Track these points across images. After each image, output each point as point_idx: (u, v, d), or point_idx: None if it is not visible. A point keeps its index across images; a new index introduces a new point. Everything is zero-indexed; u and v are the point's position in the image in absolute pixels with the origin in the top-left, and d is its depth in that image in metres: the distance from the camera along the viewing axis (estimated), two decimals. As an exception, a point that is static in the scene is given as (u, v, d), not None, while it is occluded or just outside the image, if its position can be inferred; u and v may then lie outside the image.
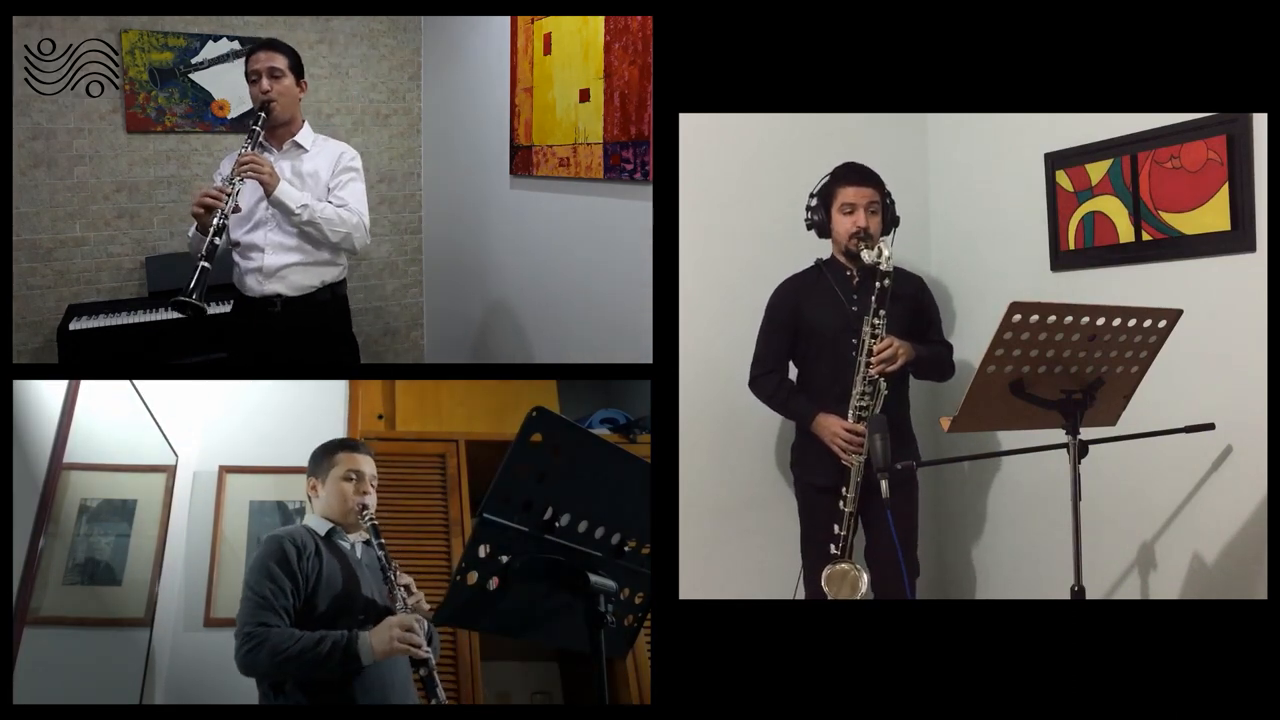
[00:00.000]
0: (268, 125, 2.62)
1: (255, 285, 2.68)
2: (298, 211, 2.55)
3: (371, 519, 2.03)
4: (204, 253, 2.35)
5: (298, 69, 2.70)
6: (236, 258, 2.72)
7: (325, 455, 2.11)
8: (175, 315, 3.72)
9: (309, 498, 2.13)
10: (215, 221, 2.39)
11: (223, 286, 3.34)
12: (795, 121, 2.82)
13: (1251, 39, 2.01)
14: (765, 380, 2.58)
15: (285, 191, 2.54)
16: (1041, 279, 2.70)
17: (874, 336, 2.36)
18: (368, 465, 2.09)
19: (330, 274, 2.74)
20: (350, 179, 2.70)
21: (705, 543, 2.72)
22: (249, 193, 2.58)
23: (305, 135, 2.73)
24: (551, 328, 3.58)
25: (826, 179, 2.52)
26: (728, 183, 2.79)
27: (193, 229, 2.64)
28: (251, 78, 2.64)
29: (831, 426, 2.43)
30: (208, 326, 3.73)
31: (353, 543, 2.08)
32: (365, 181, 2.77)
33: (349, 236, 2.64)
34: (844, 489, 2.39)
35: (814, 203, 2.53)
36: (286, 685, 1.85)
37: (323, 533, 2.04)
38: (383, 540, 2.01)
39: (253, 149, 2.53)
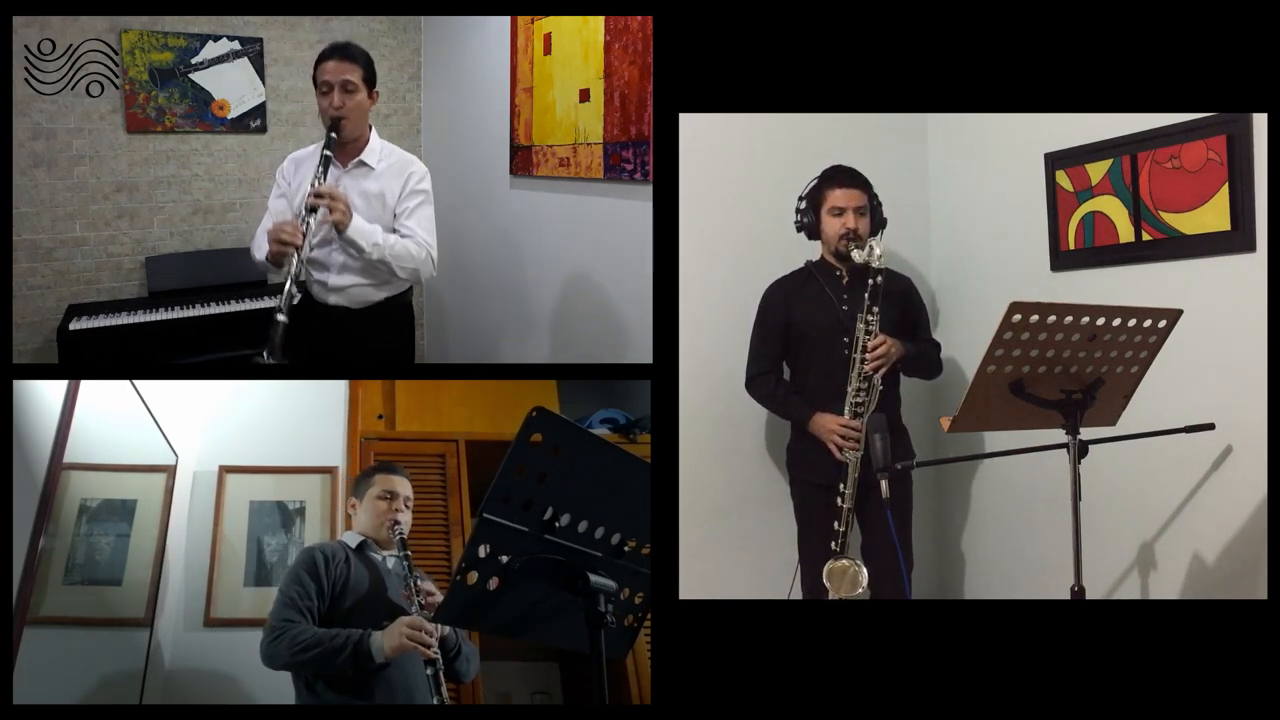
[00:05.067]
0: (336, 145, 2.46)
1: (320, 295, 2.59)
2: (369, 250, 2.42)
3: (401, 534, 2.20)
4: (282, 307, 2.23)
5: (371, 79, 2.52)
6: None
7: (365, 477, 2.32)
8: (175, 315, 3.80)
9: (349, 515, 2.34)
10: (293, 269, 2.27)
11: (241, 285, 3.30)
12: (795, 122, 2.82)
13: (1251, 39, 2.01)
14: (762, 381, 2.59)
15: (358, 229, 2.39)
16: (1041, 279, 2.70)
17: (868, 333, 2.37)
18: (403, 486, 2.28)
19: (394, 288, 2.64)
20: (419, 204, 2.56)
21: (705, 543, 2.72)
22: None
23: (372, 151, 2.56)
24: (551, 328, 3.58)
25: (815, 182, 2.54)
26: (727, 183, 2.79)
27: (256, 251, 2.54)
28: (322, 89, 2.46)
29: (828, 424, 2.44)
30: (224, 323, 3.78)
31: (385, 555, 2.24)
32: (433, 204, 2.63)
33: (416, 271, 2.54)
34: (841, 485, 2.40)
35: (803, 205, 2.54)
36: (318, 685, 1.99)
37: (354, 545, 2.22)
38: (409, 553, 2.17)
39: (325, 173, 2.39)
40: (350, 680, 1.98)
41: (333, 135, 2.44)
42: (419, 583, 2.10)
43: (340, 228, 2.37)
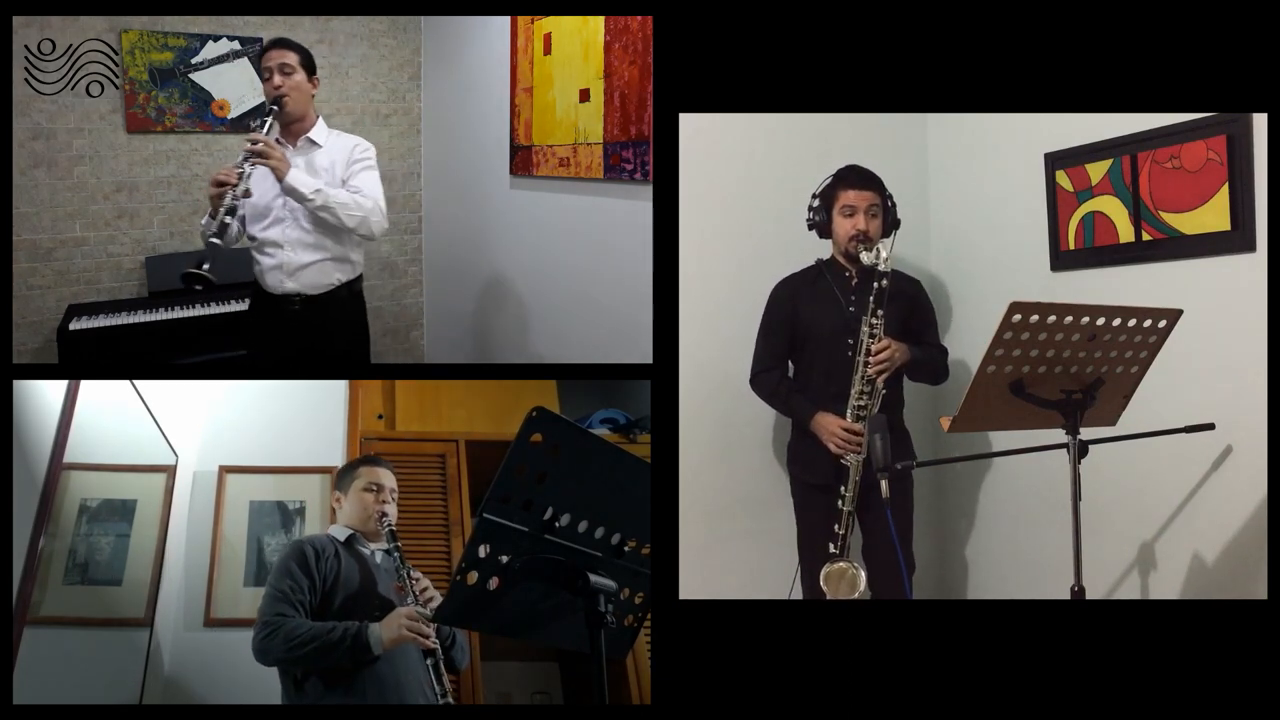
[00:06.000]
0: (281, 120, 2.67)
1: (275, 283, 2.73)
2: (311, 196, 2.58)
3: (390, 525, 2.18)
4: (215, 230, 2.45)
5: (309, 66, 2.74)
6: (255, 255, 2.77)
7: (349, 470, 2.31)
8: (175, 315, 3.80)
9: (334, 510, 2.31)
10: (226, 201, 2.46)
11: (242, 284, 3.34)
12: (795, 122, 2.82)
13: (1251, 39, 2.01)
14: (766, 378, 2.58)
15: (296, 178, 2.57)
16: (1041, 279, 2.70)
17: (872, 337, 2.37)
18: (388, 479, 2.27)
19: (347, 272, 2.80)
20: (363, 168, 2.73)
21: (705, 543, 2.72)
22: (267, 188, 2.62)
23: (319, 131, 2.76)
24: (551, 328, 3.58)
25: (829, 181, 2.53)
26: (728, 183, 2.79)
27: (205, 219, 2.66)
28: (264, 74, 2.69)
29: (829, 426, 2.43)
30: (224, 323, 3.78)
31: (373, 549, 2.23)
32: (378, 171, 2.79)
33: (365, 220, 2.66)
34: (842, 487, 2.40)
35: (816, 203, 2.55)
36: (307, 683, 1.98)
37: (343, 539, 2.20)
38: (399, 544, 2.16)
39: (267, 133, 2.57)
40: (341, 675, 1.97)
41: (274, 108, 2.65)
42: (411, 575, 2.10)
43: (278, 173, 2.54)
